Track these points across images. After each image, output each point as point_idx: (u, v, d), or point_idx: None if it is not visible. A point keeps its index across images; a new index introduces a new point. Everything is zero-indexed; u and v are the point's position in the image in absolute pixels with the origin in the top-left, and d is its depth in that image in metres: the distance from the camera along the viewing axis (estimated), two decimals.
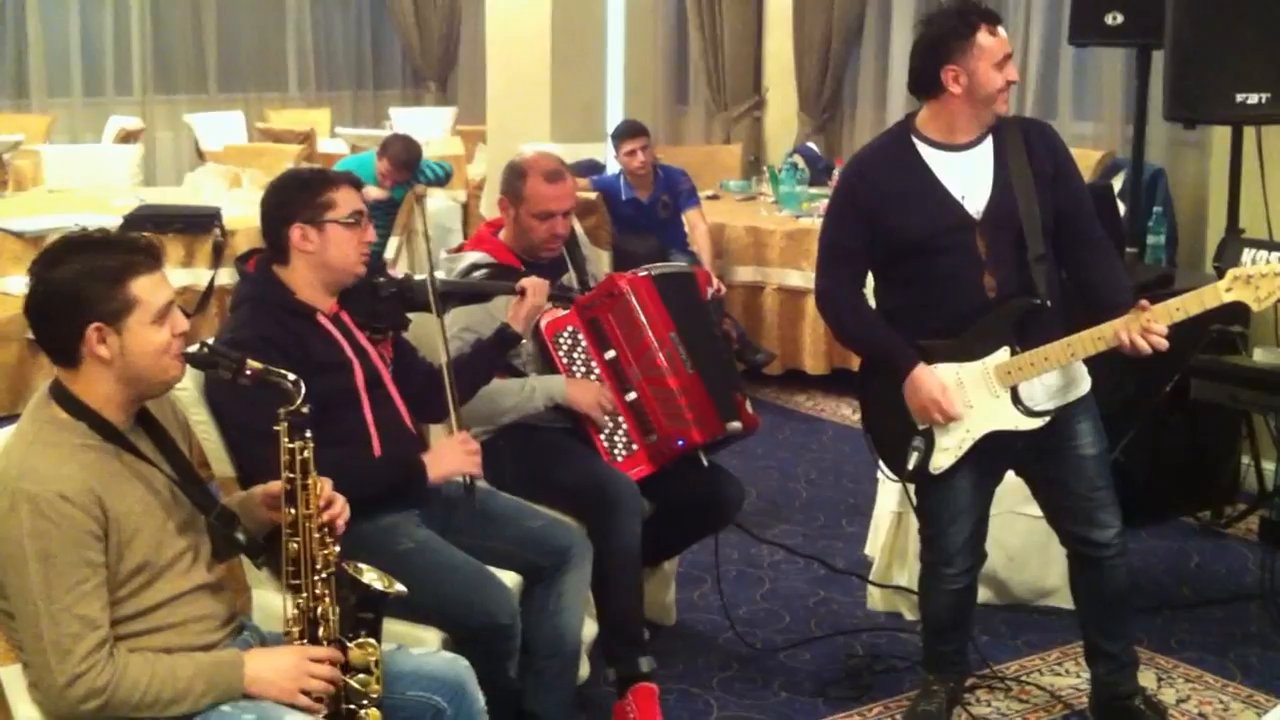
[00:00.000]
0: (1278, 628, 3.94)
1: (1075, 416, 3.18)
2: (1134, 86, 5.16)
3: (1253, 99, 4.21)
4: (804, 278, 6.31)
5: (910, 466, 3.16)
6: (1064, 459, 3.19)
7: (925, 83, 3.13)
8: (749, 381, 6.01)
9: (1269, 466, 4.81)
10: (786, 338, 6.42)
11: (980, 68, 3.05)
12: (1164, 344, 2.94)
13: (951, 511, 3.23)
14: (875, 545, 4.12)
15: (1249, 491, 4.82)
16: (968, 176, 3.12)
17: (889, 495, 4.02)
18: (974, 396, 3.10)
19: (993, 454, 3.17)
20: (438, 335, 3.11)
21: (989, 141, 3.14)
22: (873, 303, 3.32)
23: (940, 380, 3.10)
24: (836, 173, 7.23)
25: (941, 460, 3.15)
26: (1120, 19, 4.73)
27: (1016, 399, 3.10)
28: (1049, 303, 3.07)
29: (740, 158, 8.49)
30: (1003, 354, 3.08)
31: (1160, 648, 3.80)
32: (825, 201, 6.57)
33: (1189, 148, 6.32)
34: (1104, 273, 3.15)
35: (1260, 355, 3.74)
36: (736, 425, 3.59)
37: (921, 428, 3.14)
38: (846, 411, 6.13)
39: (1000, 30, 3.09)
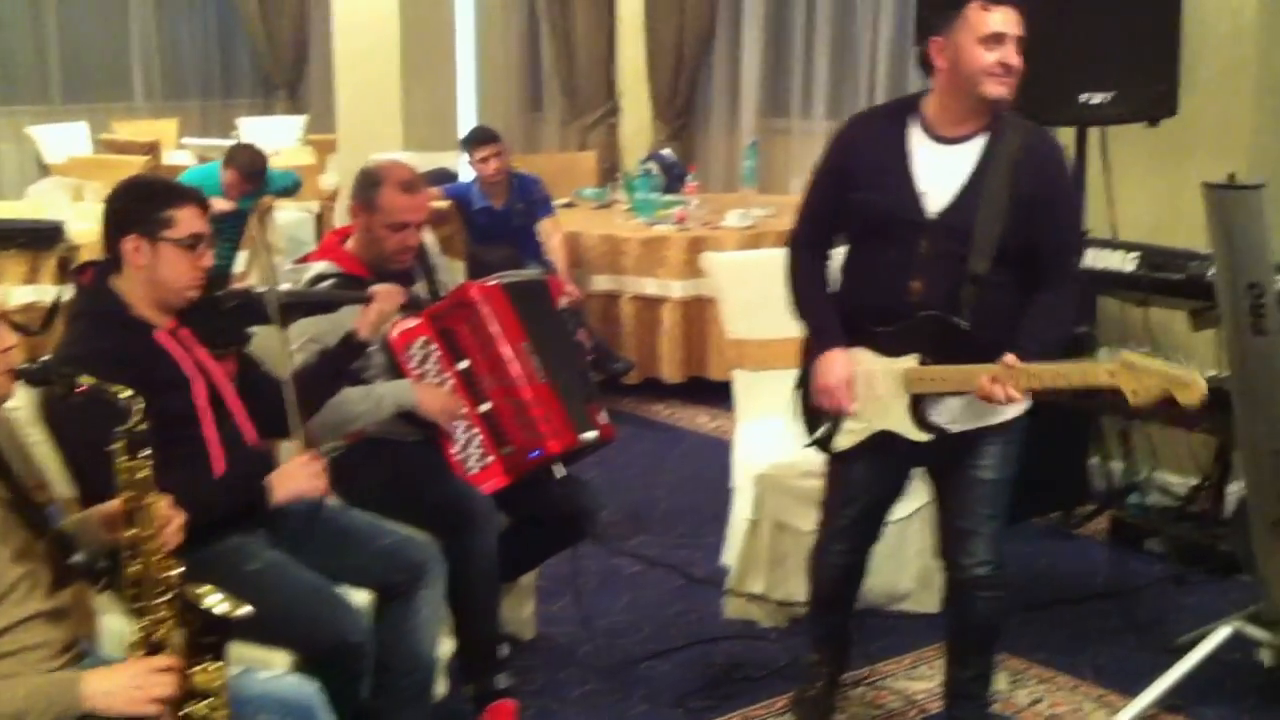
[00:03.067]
0: (1129, 627, 4.01)
1: (985, 439, 3.08)
2: None
3: (1096, 99, 4.29)
4: (660, 286, 6.31)
5: (813, 437, 3.18)
6: (959, 478, 3.11)
7: (922, 55, 3.02)
8: (606, 391, 6.00)
9: (1117, 466, 4.92)
10: (644, 346, 6.40)
11: (964, 41, 2.91)
12: (1016, 399, 2.89)
13: (847, 493, 3.25)
14: (732, 554, 4.12)
15: (1099, 492, 4.91)
16: (940, 173, 2.98)
17: (744, 503, 4.02)
18: (883, 391, 3.06)
19: (901, 452, 3.12)
20: (282, 348, 3.02)
21: (980, 142, 2.99)
22: None
23: (848, 371, 3.06)
24: (690, 179, 7.29)
25: (842, 441, 3.15)
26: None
27: (916, 409, 3.05)
28: (968, 326, 2.95)
29: (595, 165, 8.47)
30: (912, 360, 3.02)
31: (1013, 649, 3.84)
32: (681, 209, 6.67)
33: None
34: (1031, 318, 2.98)
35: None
36: (592, 435, 3.55)
37: (827, 410, 3.13)
38: (704, 420, 6.13)
39: (999, 9, 2.91)
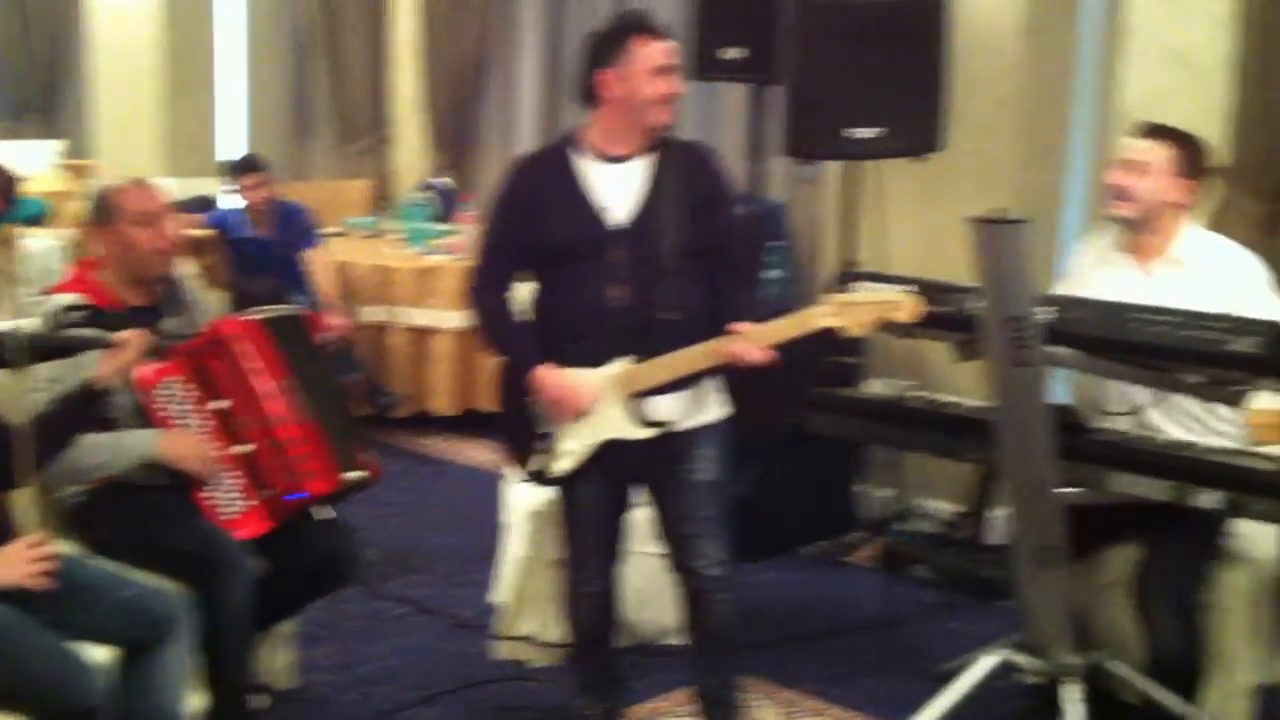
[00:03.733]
0: (900, 655, 4.04)
1: (698, 442, 3.21)
2: (752, 122, 5.24)
3: (866, 134, 4.36)
4: (433, 317, 6.17)
5: (532, 469, 3.22)
6: (675, 482, 3.23)
7: (586, 89, 3.17)
8: (376, 425, 5.85)
9: (885, 494, 4.99)
10: (416, 379, 6.24)
11: (634, 73, 3.09)
12: (764, 357, 3.01)
13: (581, 517, 3.27)
14: (502, 592, 4.00)
15: (867, 519, 4.96)
16: (616, 189, 3.15)
17: (517, 540, 3.91)
18: (596, 404, 3.12)
19: (619, 465, 3.19)
20: (14, 393, 2.81)
21: (647, 159, 3.18)
22: None
23: (566, 379, 3.12)
24: (465, 208, 7.17)
25: (562, 464, 3.18)
26: (739, 55, 4.81)
27: (636, 408, 3.13)
28: (674, 318, 3.09)
29: (367, 193, 8.28)
30: (624, 363, 3.12)
31: (785, 681, 3.83)
32: (456, 238, 6.55)
33: (806, 183, 6.53)
34: (733, 297, 3.17)
35: (872, 386, 3.84)
36: (356, 476, 3.42)
37: (543, 431, 3.17)
38: (477, 454, 6.01)
39: (661, 41, 3.12)
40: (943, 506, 4.97)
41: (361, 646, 3.99)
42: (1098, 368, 3.30)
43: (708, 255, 3.18)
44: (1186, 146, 3.42)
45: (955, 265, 4.17)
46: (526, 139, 8.15)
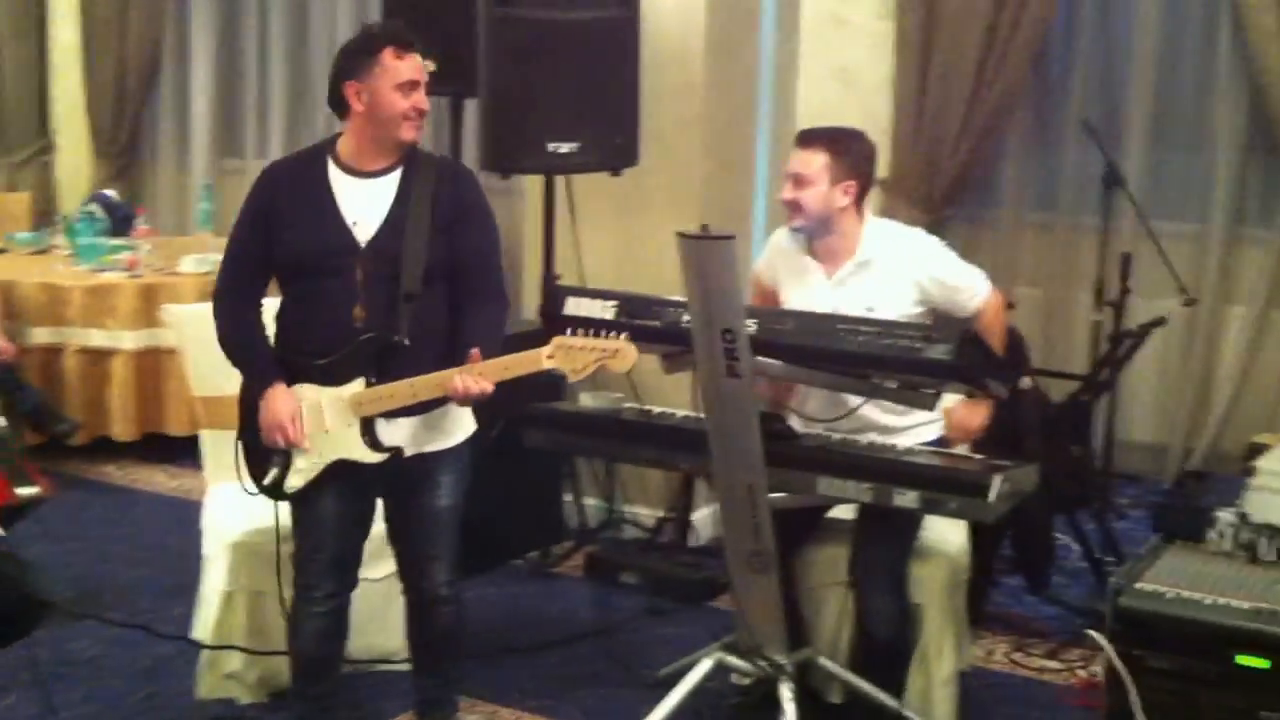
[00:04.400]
0: (614, 664, 4.08)
1: (438, 468, 3.23)
2: (450, 134, 5.21)
3: (564, 148, 4.39)
4: (109, 337, 5.86)
5: (265, 482, 3.18)
6: (416, 506, 3.24)
7: (335, 100, 3.14)
8: (50, 453, 5.51)
9: (592, 503, 5.03)
10: (92, 403, 5.90)
11: (381, 87, 3.06)
12: (483, 392, 3.01)
13: (316, 534, 3.22)
14: (204, 627, 3.83)
15: (574, 529, 4.99)
16: (365, 204, 3.11)
17: (217, 573, 3.76)
18: (331, 422, 3.10)
19: (358, 482, 3.17)
20: None
21: (398, 173, 3.14)
22: None
23: (294, 405, 3.09)
24: (139, 222, 6.84)
25: (294, 481, 3.15)
26: (434, 67, 4.76)
27: (368, 431, 3.10)
28: (408, 342, 3.06)
29: (29, 207, 7.79)
30: (358, 385, 3.09)
31: (502, 698, 3.81)
32: (130, 254, 6.23)
33: (504, 195, 6.53)
34: (473, 325, 3.14)
35: (584, 400, 3.87)
36: (30, 492, 3.26)
37: (279, 448, 3.12)
38: (163, 480, 5.75)
39: (411, 56, 3.10)
40: (647, 513, 5.05)
41: (55, 693, 3.75)
42: (803, 377, 3.42)
43: (453, 277, 3.15)
44: (839, 147, 3.54)
45: (651, 278, 4.28)
46: (202, 151, 7.87)
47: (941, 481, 3.18)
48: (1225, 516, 4.25)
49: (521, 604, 4.55)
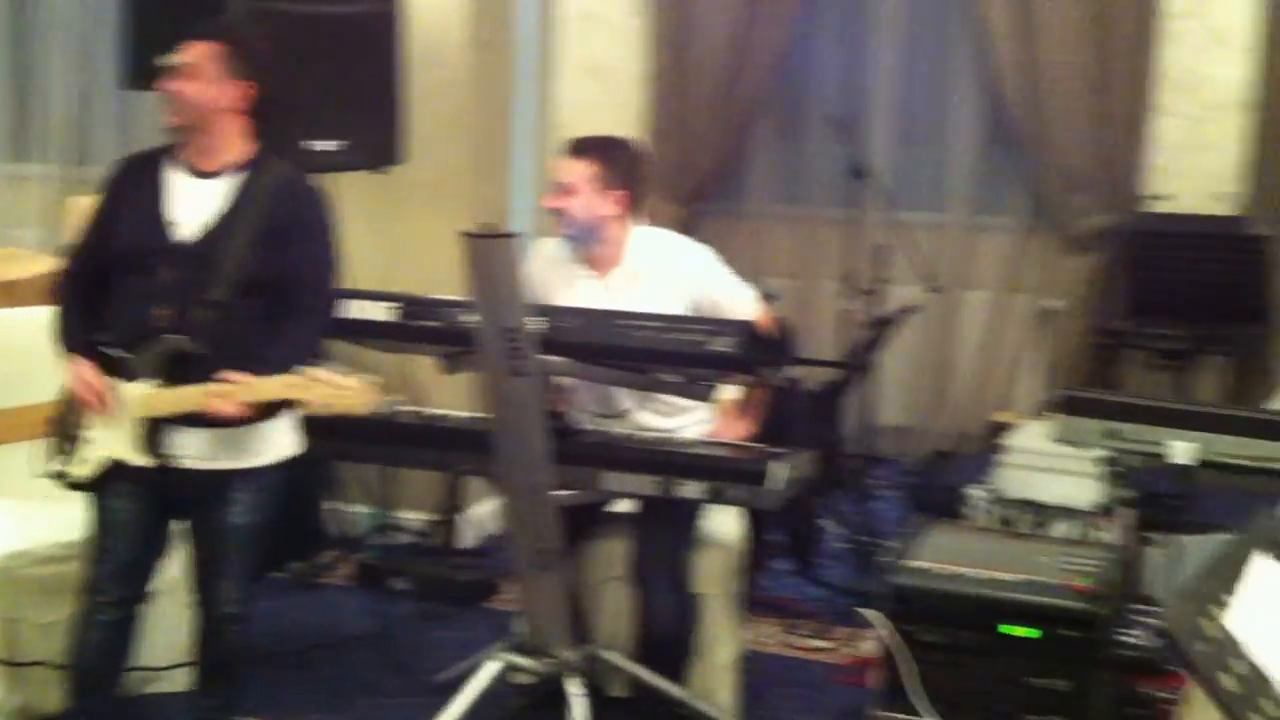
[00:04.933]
0: (393, 671, 4.02)
1: (236, 485, 3.12)
2: None
3: (326, 146, 4.28)
4: None
5: (53, 468, 3.11)
6: (208, 522, 3.14)
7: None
8: None
9: (357, 510, 4.94)
10: None
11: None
12: (236, 413, 2.93)
13: (107, 533, 3.12)
14: None
15: (339, 537, 4.89)
16: (193, 205, 3.06)
17: None
18: (119, 417, 3.00)
19: (150, 489, 3.07)
20: None
21: (237, 178, 3.09)
22: None
23: (100, 379, 3.01)
24: None
25: (80, 471, 3.07)
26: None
27: (151, 434, 3.01)
28: (207, 350, 2.98)
29: None
30: (144, 386, 3.00)
31: (278, 712, 3.70)
32: None
33: None
34: (271, 342, 3.03)
35: None
36: None
37: (74, 433, 3.05)
38: None
39: (182, 47, 3.10)
40: (415, 517, 4.99)
41: None
42: (588, 373, 3.43)
43: (269, 290, 3.05)
44: (609, 158, 3.56)
45: (419, 278, 4.21)
46: None
47: (725, 471, 3.24)
48: (978, 493, 4.47)
49: (290, 616, 4.42)
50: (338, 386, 2.89)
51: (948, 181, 6.04)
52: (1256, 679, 1.51)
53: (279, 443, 3.16)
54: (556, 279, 3.65)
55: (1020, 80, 5.69)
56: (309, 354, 3.07)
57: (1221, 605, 1.62)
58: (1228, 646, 1.54)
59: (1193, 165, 5.70)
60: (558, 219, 3.55)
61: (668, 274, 3.57)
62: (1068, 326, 5.81)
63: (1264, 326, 5.51)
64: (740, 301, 3.62)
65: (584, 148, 3.56)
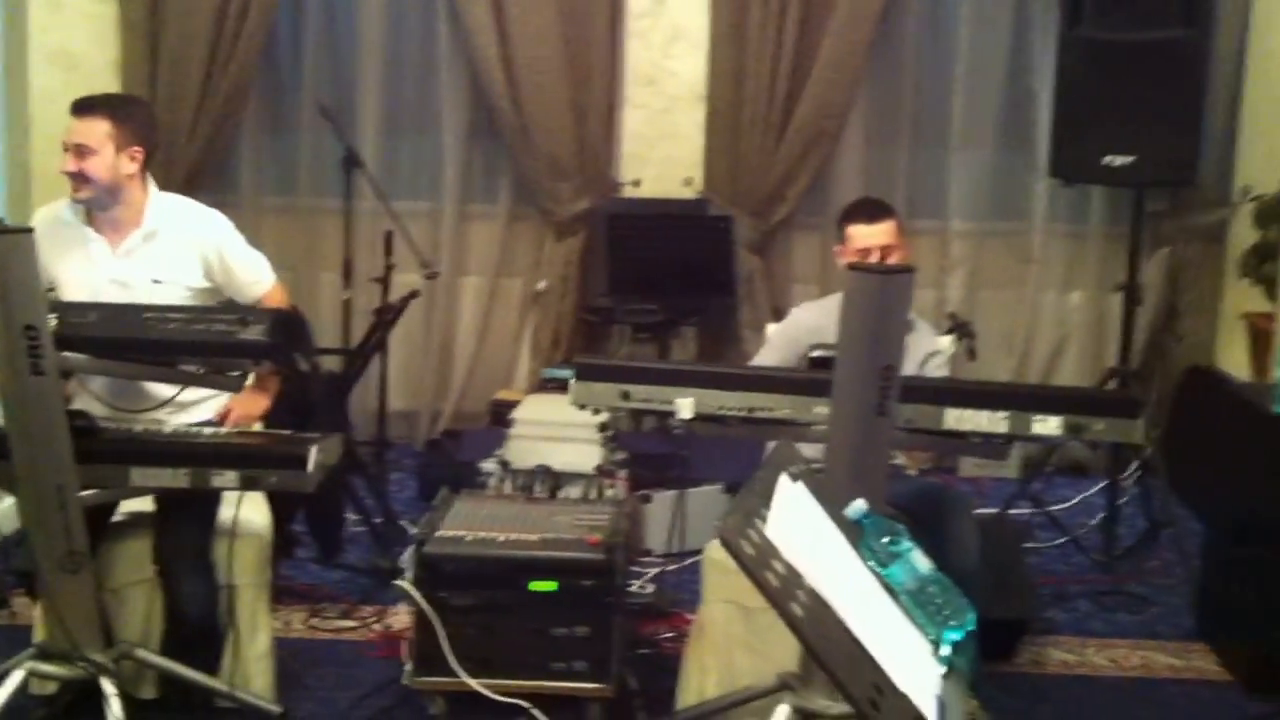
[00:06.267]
0: None
1: None
2: None
3: None
4: None
5: None
6: None
7: None
8: None
9: None
10: None
11: None
12: None
13: None
14: None
15: None
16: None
17: None
18: None
19: None
20: None
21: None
22: None
23: None
24: None
25: None
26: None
27: None
28: None
29: None
30: None
31: None
32: None
33: None
34: None
35: None
36: None
37: None
38: None
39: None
40: None
41: None
42: (111, 369, 3.36)
43: None
44: (122, 114, 3.56)
45: None
46: None
47: (259, 458, 3.28)
48: (490, 466, 4.72)
49: None
50: None
51: (439, 171, 6.23)
52: (791, 575, 1.80)
53: None
54: (64, 244, 3.57)
55: (501, 74, 5.97)
56: None
57: (762, 518, 1.90)
58: (767, 550, 1.82)
59: (660, 153, 6.19)
60: (76, 184, 3.49)
61: (186, 236, 3.60)
62: (557, 306, 6.17)
63: (730, 298, 6.08)
64: (255, 269, 3.69)
65: (93, 105, 3.52)
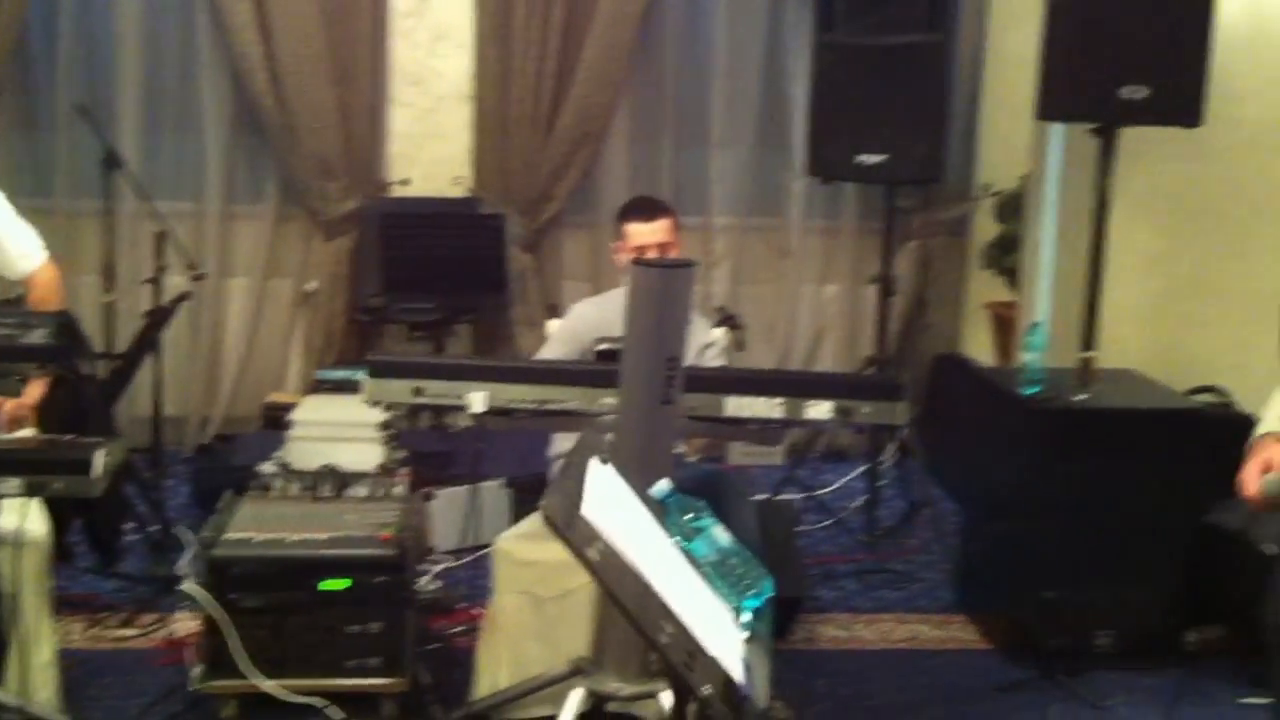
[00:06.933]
0: None
1: None
2: None
3: None
4: None
5: None
6: None
7: None
8: None
9: None
10: None
11: None
12: None
13: None
14: None
15: None
16: None
17: None
18: None
19: None
20: None
21: None
22: None
23: None
24: None
25: None
26: None
27: None
28: None
29: None
30: None
31: None
32: None
33: None
34: None
35: None
36: None
37: None
38: None
39: None
40: None
41: None
42: None
43: None
44: None
45: None
46: None
47: (43, 463, 3.21)
48: (270, 468, 4.69)
49: None
50: None
51: (201, 170, 6.13)
52: (609, 551, 1.90)
53: None
54: None
55: (265, 73, 5.91)
56: None
57: (581, 498, 2.00)
58: (585, 529, 1.92)
59: (429, 152, 6.22)
60: None
61: None
62: (328, 307, 6.14)
63: (503, 295, 6.16)
64: (26, 246, 3.62)
65: None
